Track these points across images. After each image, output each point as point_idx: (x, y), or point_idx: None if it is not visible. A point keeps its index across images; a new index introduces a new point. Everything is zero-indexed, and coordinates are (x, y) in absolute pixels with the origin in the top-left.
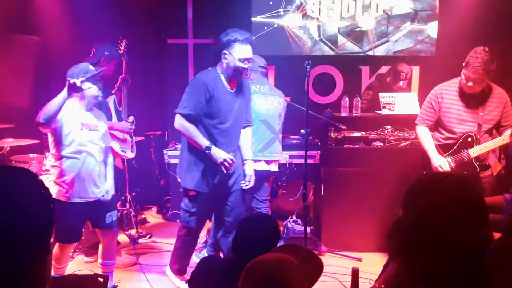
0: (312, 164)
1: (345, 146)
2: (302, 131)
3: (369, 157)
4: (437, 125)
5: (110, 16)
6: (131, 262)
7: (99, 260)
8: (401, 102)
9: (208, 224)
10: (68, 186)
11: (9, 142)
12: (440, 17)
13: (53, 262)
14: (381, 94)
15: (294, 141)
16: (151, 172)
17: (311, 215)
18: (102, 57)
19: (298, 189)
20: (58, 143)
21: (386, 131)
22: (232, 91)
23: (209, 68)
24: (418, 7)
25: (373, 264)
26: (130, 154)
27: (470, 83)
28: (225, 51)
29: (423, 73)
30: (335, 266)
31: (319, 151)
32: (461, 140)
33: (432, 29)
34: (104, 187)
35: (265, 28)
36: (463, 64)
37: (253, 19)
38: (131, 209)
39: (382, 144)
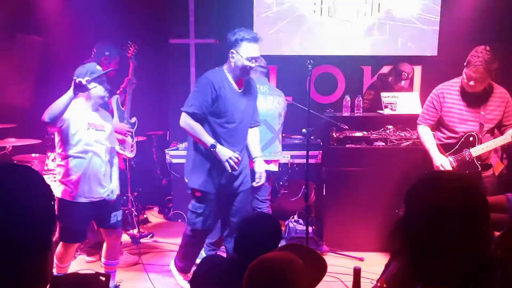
0: (313, 163)
1: (347, 145)
2: (304, 130)
3: (371, 157)
4: (438, 125)
5: (112, 16)
6: (132, 261)
7: (102, 260)
8: (403, 101)
9: None
10: (74, 185)
11: (11, 142)
12: (442, 17)
13: (56, 261)
14: (383, 94)
15: (296, 141)
16: (153, 172)
17: (312, 215)
18: (102, 57)
19: (299, 189)
20: (65, 143)
21: (388, 131)
22: (240, 90)
23: (216, 68)
24: (420, 6)
25: (375, 264)
26: (129, 154)
27: (471, 82)
28: (232, 50)
29: (425, 73)
30: (336, 266)
31: (320, 151)
32: (462, 139)
33: (433, 28)
34: (109, 187)
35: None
36: (465, 63)
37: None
38: (133, 209)
39: (384, 144)
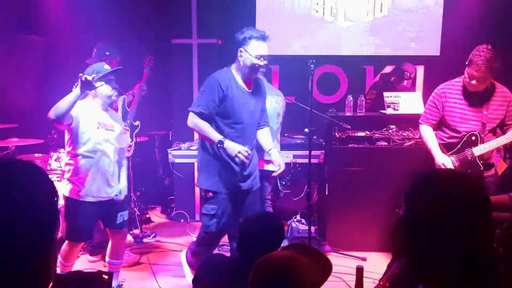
0: (316, 163)
1: (349, 145)
2: (306, 130)
3: (374, 156)
4: (441, 124)
5: (114, 16)
6: (134, 260)
7: (106, 259)
8: (405, 101)
9: None
10: (82, 184)
11: (14, 142)
12: (445, 17)
13: (60, 259)
14: (385, 94)
15: (298, 141)
16: (155, 172)
17: (315, 215)
18: (103, 57)
19: (302, 188)
20: (74, 141)
21: (390, 131)
22: (248, 90)
23: (225, 68)
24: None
25: (377, 263)
26: (126, 153)
27: (473, 82)
28: (240, 48)
29: (428, 73)
30: (339, 265)
31: (323, 151)
32: (465, 138)
33: (436, 28)
34: (117, 187)
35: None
36: (466, 62)
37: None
38: (135, 209)
39: (386, 143)
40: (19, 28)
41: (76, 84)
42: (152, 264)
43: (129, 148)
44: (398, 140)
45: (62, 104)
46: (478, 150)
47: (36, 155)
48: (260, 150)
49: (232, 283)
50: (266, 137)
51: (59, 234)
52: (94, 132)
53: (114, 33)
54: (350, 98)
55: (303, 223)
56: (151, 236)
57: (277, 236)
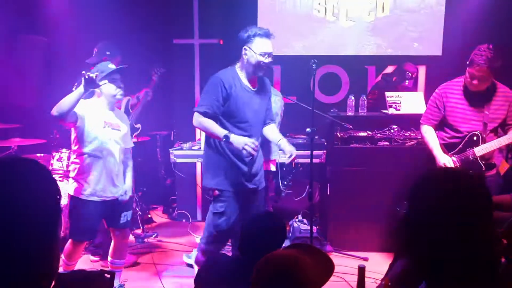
0: (318, 163)
1: (351, 145)
2: (308, 130)
3: (375, 156)
4: (442, 124)
5: (116, 17)
6: (131, 261)
7: (109, 259)
8: (407, 101)
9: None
10: (87, 183)
11: (16, 142)
12: (447, 17)
13: (63, 257)
14: (387, 94)
15: (300, 141)
16: (157, 172)
17: (317, 215)
18: (103, 56)
19: (304, 188)
20: (80, 140)
21: (392, 131)
22: (253, 89)
23: (229, 67)
24: (424, 6)
25: (379, 264)
26: None
27: (474, 81)
28: (245, 46)
29: (430, 73)
30: (341, 265)
31: (325, 151)
32: (466, 138)
33: (438, 28)
34: (123, 188)
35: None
36: (468, 62)
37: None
38: (137, 209)
39: (388, 143)
40: (21, 28)
41: (76, 84)
42: (154, 264)
43: None
44: (400, 140)
45: (65, 102)
46: (480, 150)
47: (38, 155)
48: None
49: (234, 282)
50: (273, 131)
51: (62, 234)
52: (100, 131)
53: (115, 33)
54: (352, 98)
55: (305, 223)
56: (153, 236)
57: (279, 236)
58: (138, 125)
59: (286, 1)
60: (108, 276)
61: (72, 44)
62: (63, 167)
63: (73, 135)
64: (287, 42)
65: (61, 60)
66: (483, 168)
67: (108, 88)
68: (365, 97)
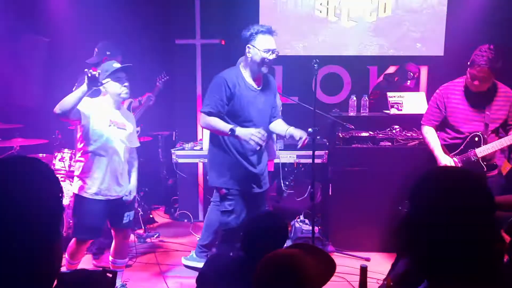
0: (319, 163)
1: (353, 145)
2: (310, 130)
3: (377, 156)
4: (443, 125)
5: (118, 17)
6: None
7: (110, 258)
8: (409, 101)
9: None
10: (91, 182)
11: (18, 142)
12: (449, 17)
13: (67, 256)
14: (389, 94)
15: None
16: (159, 172)
17: (318, 215)
18: (104, 56)
19: (305, 189)
20: (86, 138)
21: (394, 131)
22: (257, 88)
23: (233, 67)
24: (426, 6)
25: (381, 264)
26: None
27: (475, 82)
28: (248, 45)
29: (432, 73)
30: (343, 266)
31: (327, 151)
32: (468, 139)
33: (440, 28)
34: (127, 188)
35: None
36: (468, 62)
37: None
38: (139, 209)
39: (390, 143)
40: (23, 28)
41: (76, 84)
42: (156, 264)
43: None
44: (402, 140)
45: (68, 100)
46: (481, 151)
47: (40, 155)
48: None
49: (236, 282)
50: (279, 124)
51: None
52: (106, 130)
53: (117, 33)
54: (354, 98)
55: (306, 224)
56: (155, 236)
57: (281, 235)
58: (138, 128)
59: (287, 1)
60: (110, 275)
61: (73, 44)
62: (65, 167)
63: (78, 133)
64: (288, 42)
65: (62, 60)
66: (485, 169)
67: (113, 87)
68: (367, 97)
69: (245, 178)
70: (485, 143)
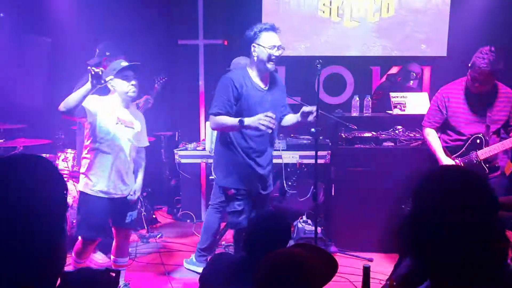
0: (322, 164)
1: (356, 146)
2: (312, 130)
3: (380, 157)
4: (444, 127)
5: (121, 17)
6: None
7: (112, 257)
8: (412, 102)
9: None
10: (96, 179)
11: (22, 142)
12: (452, 17)
13: (73, 255)
14: (392, 94)
15: (305, 141)
16: (161, 173)
17: (321, 216)
18: (103, 57)
19: (308, 189)
20: (92, 135)
21: (397, 131)
22: (264, 88)
23: (239, 68)
24: (429, 7)
25: (384, 264)
26: None
27: (476, 84)
28: (253, 44)
29: (435, 73)
30: (345, 266)
31: (329, 151)
32: (469, 141)
33: (443, 29)
34: (132, 187)
35: None
36: (469, 64)
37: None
38: (142, 209)
39: (393, 144)
40: (26, 29)
41: (77, 86)
42: (158, 264)
43: None
44: (405, 141)
45: (72, 97)
46: (483, 153)
47: (44, 155)
48: None
49: (238, 282)
50: (290, 116)
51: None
52: (113, 128)
53: (120, 34)
54: (357, 98)
55: (309, 224)
56: (158, 236)
57: (284, 235)
58: None
59: (290, 2)
60: (113, 274)
61: (76, 44)
62: (68, 167)
63: (86, 131)
64: (291, 43)
65: (65, 61)
66: (487, 171)
67: (121, 85)
68: (369, 98)
69: (252, 178)
70: (487, 145)
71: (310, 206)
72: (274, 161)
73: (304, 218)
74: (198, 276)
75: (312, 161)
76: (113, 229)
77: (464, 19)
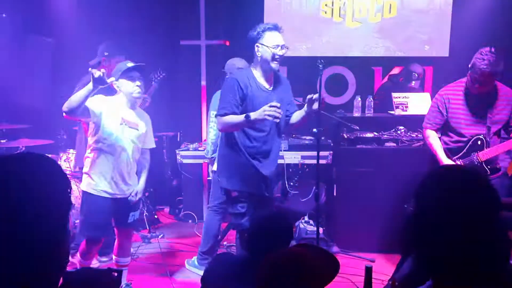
0: (324, 164)
1: (358, 146)
2: (314, 130)
3: (382, 157)
4: (445, 128)
5: (123, 18)
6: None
7: (113, 257)
8: (414, 102)
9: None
10: (98, 178)
11: (24, 142)
12: (453, 17)
13: (79, 256)
14: (394, 94)
15: (306, 142)
16: (163, 173)
17: (323, 216)
18: (102, 57)
19: (310, 189)
20: (96, 135)
21: (399, 132)
22: (269, 89)
23: (243, 69)
24: (431, 7)
25: (386, 265)
26: None
27: (477, 85)
28: (256, 44)
29: (437, 74)
30: (347, 267)
31: (331, 152)
32: (470, 143)
33: (445, 29)
34: (134, 188)
35: None
36: (469, 65)
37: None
38: (144, 209)
39: (395, 144)
40: (29, 29)
41: (77, 87)
42: (160, 264)
43: None
44: (407, 141)
45: (74, 98)
46: (485, 155)
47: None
48: None
49: (240, 282)
50: (297, 112)
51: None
52: (116, 128)
53: (122, 34)
54: (359, 99)
55: (311, 224)
56: (159, 236)
57: (286, 236)
58: None
59: (292, 2)
60: (116, 274)
61: (78, 45)
62: (70, 167)
63: (89, 130)
64: (293, 43)
65: (67, 61)
66: (488, 173)
67: (126, 86)
68: (371, 98)
69: (256, 180)
70: (488, 146)
71: (312, 206)
72: None
73: (306, 218)
74: (200, 276)
75: (314, 161)
76: (115, 229)
77: (466, 19)
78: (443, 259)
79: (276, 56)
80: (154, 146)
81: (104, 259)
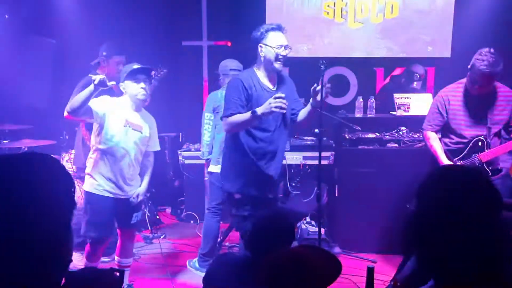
0: (326, 165)
1: (360, 147)
2: (316, 130)
3: (384, 158)
4: (445, 130)
5: (125, 19)
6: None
7: (116, 258)
8: (416, 103)
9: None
10: (100, 178)
11: (26, 143)
12: (455, 18)
13: (85, 259)
14: (396, 95)
15: (308, 142)
16: (165, 173)
17: (325, 217)
18: (101, 58)
19: (312, 190)
20: (99, 135)
21: (400, 132)
22: (272, 89)
23: (246, 69)
24: (433, 8)
25: (388, 266)
26: None
27: (476, 86)
28: (260, 44)
29: (438, 74)
30: (349, 267)
31: (333, 152)
32: (471, 144)
33: (447, 29)
34: (136, 190)
35: None
36: (469, 66)
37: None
38: (145, 210)
39: (396, 145)
40: (33, 30)
41: (78, 86)
42: (162, 265)
43: None
44: (409, 142)
45: (76, 99)
46: (486, 156)
47: None
48: None
49: (242, 282)
50: (303, 110)
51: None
52: (120, 130)
53: (124, 35)
54: (360, 99)
55: (313, 225)
56: (161, 237)
57: (288, 236)
58: None
59: (294, 3)
60: (118, 274)
61: (80, 46)
62: (72, 168)
63: (93, 131)
64: (295, 44)
65: (69, 62)
66: (489, 174)
67: (131, 88)
68: (373, 99)
69: (260, 181)
70: (489, 147)
71: (314, 207)
72: None
73: (308, 219)
74: (202, 277)
75: (316, 162)
76: (118, 230)
77: (468, 20)
78: (444, 259)
79: (280, 57)
80: (158, 148)
81: (106, 259)
